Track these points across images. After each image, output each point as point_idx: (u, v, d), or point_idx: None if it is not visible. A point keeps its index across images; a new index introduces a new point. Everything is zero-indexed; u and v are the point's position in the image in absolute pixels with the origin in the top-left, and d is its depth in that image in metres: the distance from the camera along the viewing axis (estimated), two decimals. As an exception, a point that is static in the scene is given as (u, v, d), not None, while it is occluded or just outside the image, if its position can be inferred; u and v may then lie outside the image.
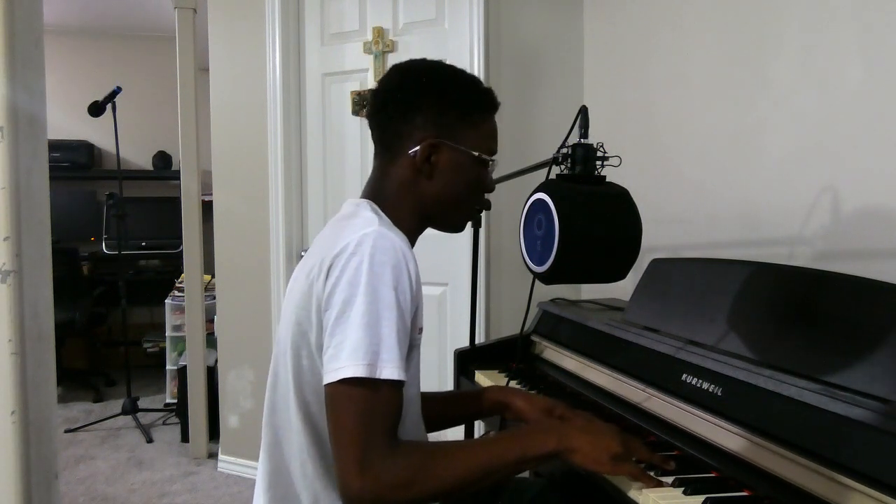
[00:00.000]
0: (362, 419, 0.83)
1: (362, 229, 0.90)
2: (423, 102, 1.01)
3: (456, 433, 2.08)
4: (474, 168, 1.05)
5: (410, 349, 0.94)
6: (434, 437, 1.14)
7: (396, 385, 0.86)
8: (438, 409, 1.24)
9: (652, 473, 0.96)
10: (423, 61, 1.07)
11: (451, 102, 1.03)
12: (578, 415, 1.13)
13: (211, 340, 3.07)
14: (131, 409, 3.52)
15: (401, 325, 0.87)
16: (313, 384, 0.93)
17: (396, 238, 0.91)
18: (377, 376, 0.84)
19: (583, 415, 1.13)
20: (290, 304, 0.98)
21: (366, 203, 1.01)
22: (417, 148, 1.01)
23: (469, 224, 1.22)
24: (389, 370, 0.84)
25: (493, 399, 1.23)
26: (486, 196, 1.13)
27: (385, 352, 0.85)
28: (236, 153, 2.78)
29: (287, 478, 0.97)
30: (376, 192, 1.04)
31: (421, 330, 0.99)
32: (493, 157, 1.08)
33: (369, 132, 1.08)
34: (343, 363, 0.84)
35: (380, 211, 1.00)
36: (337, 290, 0.87)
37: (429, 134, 1.01)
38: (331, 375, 0.85)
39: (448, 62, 1.07)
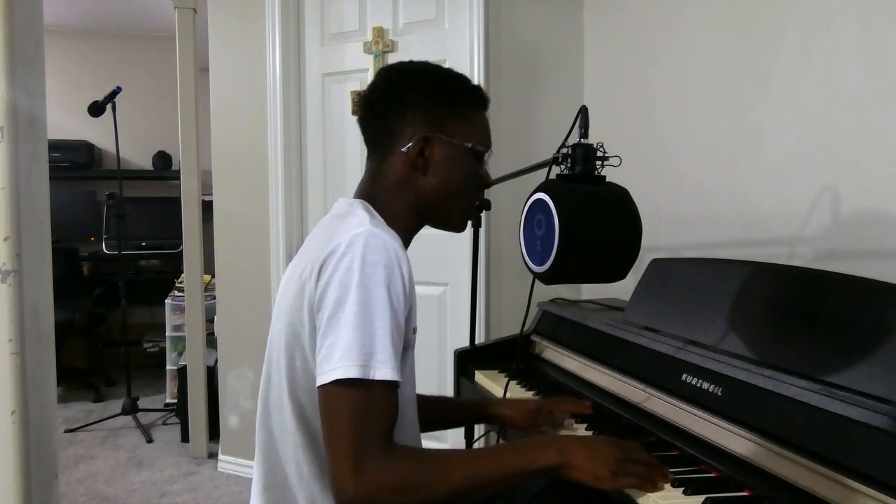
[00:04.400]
0: (356, 421, 0.82)
1: (354, 229, 0.90)
2: (412, 99, 1.02)
3: (456, 433, 2.08)
4: (468, 161, 1.06)
5: (405, 349, 0.93)
6: (434, 435, 1.14)
7: (391, 386, 0.85)
8: (444, 414, 1.29)
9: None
10: (410, 62, 1.09)
11: (439, 97, 1.03)
12: (568, 401, 1.27)
13: (211, 340, 3.07)
14: (131, 409, 3.52)
15: (394, 324, 0.86)
16: (307, 386, 0.92)
17: (388, 238, 0.90)
18: (371, 377, 0.83)
19: (571, 401, 1.26)
20: (282, 305, 0.98)
21: (359, 202, 1.01)
22: (410, 144, 1.01)
23: (469, 224, 1.22)
24: (384, 371, 0.83)
25: (490, 413, 1.30)
26: (486, 194, 1.13)
27: (379, 352, 0.84)
28: (236, 153, 2.78)
29: (283, 480, 0.96)
30: (369, 193, 1.04)
31: (415, 330, 0.98)
32: (487, 149, 1.08)
33: (370, 132, 1.07)
34: (335, 364, 0.83)
35: (373, 210, 1.00)
36: (329, 291, 0.87)
37: (420, 129, 1.01)
38: (324, 377, 0.84)
39: (448, 63, 1.07)
